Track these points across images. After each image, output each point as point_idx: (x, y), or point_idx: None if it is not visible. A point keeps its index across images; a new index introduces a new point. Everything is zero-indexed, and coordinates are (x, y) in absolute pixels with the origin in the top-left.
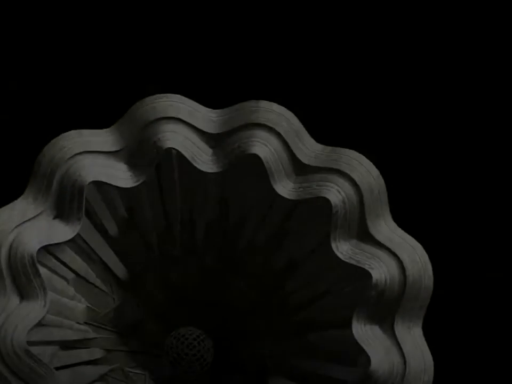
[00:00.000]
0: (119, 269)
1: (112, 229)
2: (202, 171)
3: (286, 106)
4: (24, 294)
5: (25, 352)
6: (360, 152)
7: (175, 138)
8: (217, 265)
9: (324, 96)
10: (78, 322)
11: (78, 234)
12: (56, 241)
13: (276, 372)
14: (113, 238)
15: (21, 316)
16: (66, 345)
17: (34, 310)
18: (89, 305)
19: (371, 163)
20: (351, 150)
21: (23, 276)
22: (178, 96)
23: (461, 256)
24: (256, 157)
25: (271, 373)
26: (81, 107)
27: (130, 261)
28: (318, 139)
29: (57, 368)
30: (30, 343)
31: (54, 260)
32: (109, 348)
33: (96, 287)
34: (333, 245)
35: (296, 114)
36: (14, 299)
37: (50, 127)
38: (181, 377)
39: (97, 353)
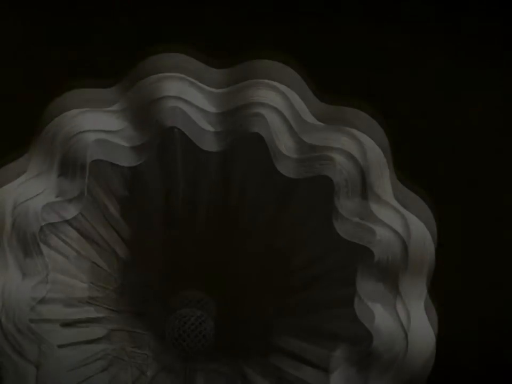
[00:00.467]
0: (121, 247)
1: (114, 207)
2: (204, 150)
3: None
4: (26, 271)
5: (27, 329)
6: (363, 107)
7: (177, 116)
8: (219, 242)
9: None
10: (79, 301)
11: (80, 212)
12: (58, 220)
13: (280, 330)
14: (115, 216)
15: (24, 293)
16: (68, 323)
17: (36, 287)
18: (91, 284)
19: (375, 121)
20: (354, 109)
21: (25, 253)
22: (182, 55)
23: (467, 212)
24: (257, 135)
25: (274, 332)
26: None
27: (131, 239)
28: (321, 89)
29: (59, 346)
30: (32, 321)
31: (56, 238)
32: (111, 327)
33: (98, 266)
34: (335, 216)
35: (299, 67)
36: (17, 277)
37: (53, 86)
38: (183, 357)
39: (99, 332)
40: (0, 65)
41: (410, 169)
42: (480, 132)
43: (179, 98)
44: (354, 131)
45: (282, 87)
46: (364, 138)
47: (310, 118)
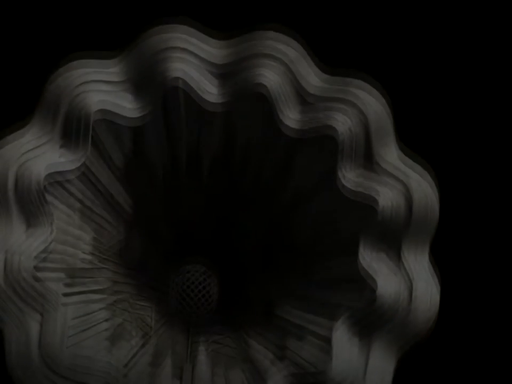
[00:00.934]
0: (125, 201)
1: (119, 161)
2: (208, 103)
3: (291, 30)
4: (31, 221)
5: (32, 277)
6: (367, 78)
7: (182, 69)
8: (223, 200)
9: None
10: (83, 252)
11: (85, 165)
12: (63, 169)
13: (282, 302)
14: (120, 170)
15: (28, 242)
16: (72, 274)
17: (41, 236)
18: (95, 236)
19: (378, 92)
20: (358, 80)
21: (29, 202)
22: (185, 27)
23: (471, 182)
24: (262, 87)
25: (277, 304)
26: (88, 35)
27: (136, 194)
28: (325, 62)
29: (64, 295)
30: (36, 269)
31: (60, 189)
32: (115, 280)
33: (103, 218)
34: (339, 174)
35: (301, 39)
36: (21, 226)
37: (57, 55)
38: (187, 313)
39: (103, 283)
40: (2, 35)
41: (411, 140)
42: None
43: (182, 59)
44: (358, 96)
45: (286, 57)
46: (368, 102)
47: (313, 85)
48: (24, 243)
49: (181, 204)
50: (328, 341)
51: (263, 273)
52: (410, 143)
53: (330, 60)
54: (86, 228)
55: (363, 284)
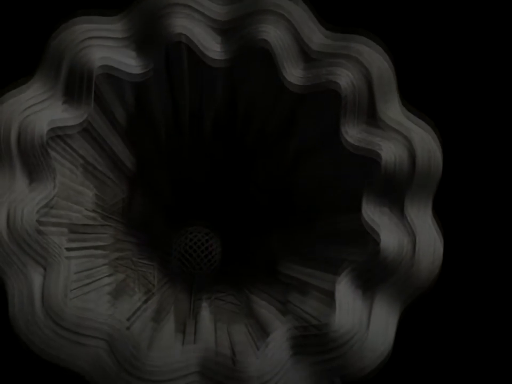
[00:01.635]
0: (128, 159)
1: (122, 118)
2: (211, 59)
3: None
4: (33, 175)
5: (35, 230)
6: (369, 35)
7: (185, 25)
8: (226, 159)
9: None
10: (86, 209)
11: (88, 121)
12: (65, 124)
13: (285, 259)
14: (123, 127)
15: (31, 196)
16: (75, 229)
17: (43, 190)
18: (97, 193)
19: (381, 48)
20: (361, 36)
21: (32, 157)
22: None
23: (473, 138)
24: (265, 42)
25: (280, 261)
26: None
27: (139, 152)
28: (328, 21)
29: (67, 249)
30: (39, 223)
31: (63, 145)
32: (117, 238)
33: (105, 176)
34: (342, 130)
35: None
36: (24, 180)
37: (60, 11)
38: (190, 273)
39: (105, 240)
40: None
41: (413, 97)
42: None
43: (185, 15)
44: (361, 52)
45: (289, 14)
46: (371, 57)
47: (316, 41)
48: (27, 197)
49: (184, 163)
50: (331, 295)
51: (266, 231)
52: (413, 102)
53: (332, 18)
54: (89, 185)
55: (366, 238)
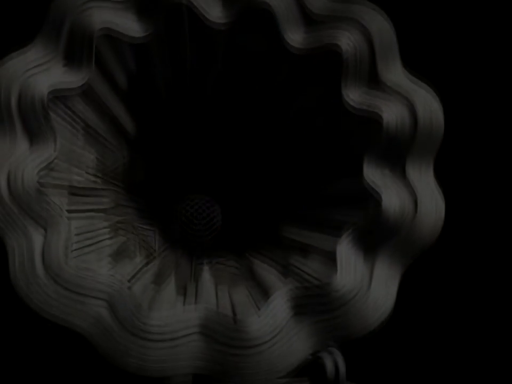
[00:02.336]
0: (129, 124)
1: (123, 82)
2: (212, 22)
3: None
4: (34, 137)
5: (36, 190)
6: (368, 4)
7: None
8: (227, 122)
9: None
10: (87, 172)
11: (89, 85)
12: (66, 87)
13: (287, 223)
14: (123, 91)
15: (32, 158)
16: (75, 192)
17: (44, 152)
18: (98, 157)
19: (382, 11)
20: (360, 5)
21: (33, 119)
22: None
23: (471, 100)
24: (266, 4)
25: (281, 225)
26: None
27: (139, 117)
28: None
29: (68, 211)
30: (40, 185)
31: (64, 108)
32: (118, 202)
33: (106, 140)
34: (344, 92)
35: None
36: (25, 142)
37: None
38: (191, 239)
39: (106, 204)
40: None
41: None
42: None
43: None
44: (363, 14)
45: None
46: (373, 20)
47: (318, 5)
48: (28, 158)
49: (185, 129)
50: (333, 257)
51: (267, 197)
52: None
53: None
54: (90, 149)
55: (368, 200)
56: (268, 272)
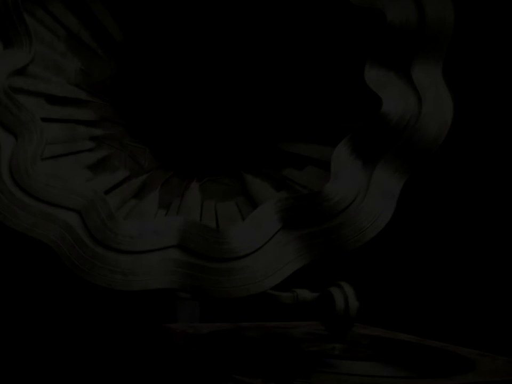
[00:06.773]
0: (117, 33)
1: None
2: None
3: None
4: (8, 40)
5: (4, 93)
6: None
7: None
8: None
9: None
10: (69, 82)
11: None
12: None
13: (283, 135)
14: None
15: (4, 61)
16: (55, 101)
17: (18, 55)
18: (83, 68)
19: None
20: None
21: (6, 20)
22: None
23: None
24: None
25: (277, 138)
26: None
27: (129, 26)
28: None
29: (43, 119)
30: (13, 90)
31: (42, 11)
32: (104, 116)
33: (92, 50)
34: None
35: None
36: None
37: None
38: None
39: (89, 115)
40: None
41: None
42: None
43: None
44: None
45: None
46: None
47: None
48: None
49: (178, 38)
50: (329, 167)
51: (265, 108)
52: None
53: None
54: (71, 57)
55: (370, 106)
56: (260, 187)
